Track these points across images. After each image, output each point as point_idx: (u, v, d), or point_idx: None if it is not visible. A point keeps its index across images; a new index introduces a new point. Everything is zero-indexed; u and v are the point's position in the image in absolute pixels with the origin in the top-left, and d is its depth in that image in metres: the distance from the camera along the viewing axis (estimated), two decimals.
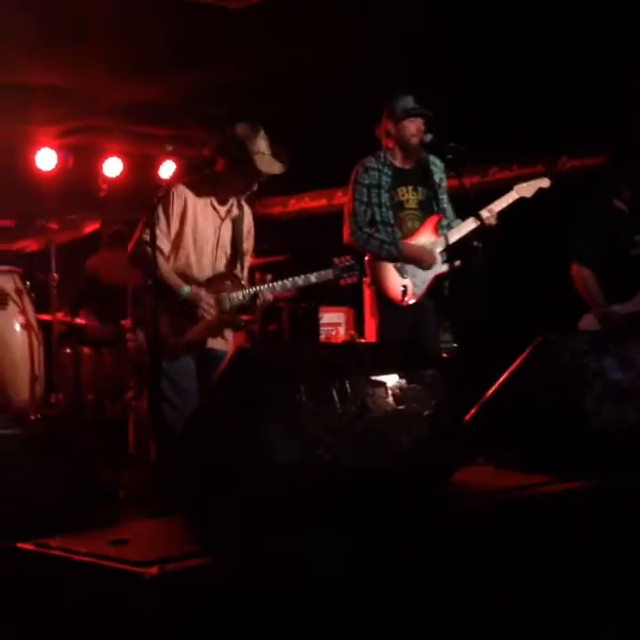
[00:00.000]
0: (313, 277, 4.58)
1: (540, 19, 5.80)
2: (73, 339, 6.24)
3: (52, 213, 6.02)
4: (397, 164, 5.16)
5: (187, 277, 4.25)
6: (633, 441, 3.83)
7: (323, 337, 7.81)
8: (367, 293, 7.29)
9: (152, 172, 8.64)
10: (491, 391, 4.06)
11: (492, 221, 5.03)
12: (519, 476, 3.64)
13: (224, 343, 4.43)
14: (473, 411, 4.10)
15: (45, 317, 5.76)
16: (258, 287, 4.40)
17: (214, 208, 4.38)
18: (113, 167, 8.74)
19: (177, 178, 5.51)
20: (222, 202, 4.40)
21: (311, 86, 7.02)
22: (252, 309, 4.59)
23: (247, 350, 5.09)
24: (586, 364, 3.87)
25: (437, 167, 5.25)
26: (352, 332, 7.74)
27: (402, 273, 5.07)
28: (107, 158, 8.73)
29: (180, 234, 4.27)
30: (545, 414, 3.84)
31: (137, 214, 4.53)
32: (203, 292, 4.19)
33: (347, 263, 4.67)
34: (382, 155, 5.16)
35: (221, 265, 4.39)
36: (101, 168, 8.69)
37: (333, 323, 7.92)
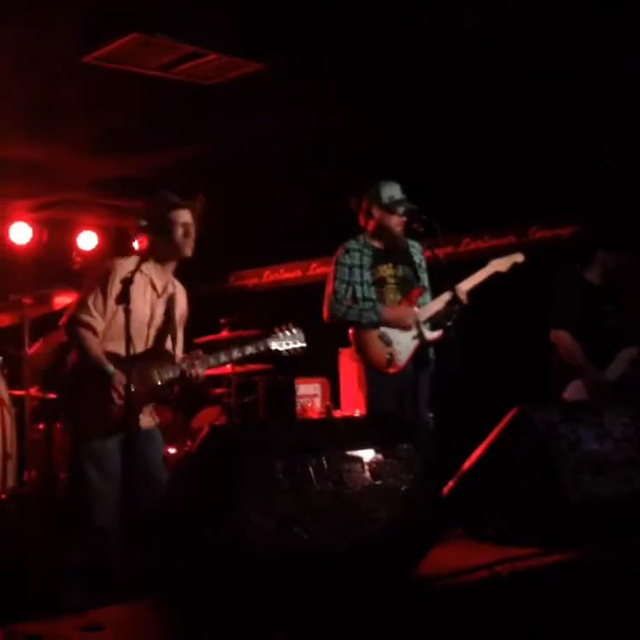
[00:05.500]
0: (249, 348, 4.47)
1: (510, 94, 5.91)
2: (46, 414, 6.16)
3: (25, 288, 6.01)
4: (376, 245, 5.27)
5: (118, 356, 4.17)
6: (612, 512, 3.82)
7: (299, 408, 7.77)
8: (343, 365, 7.33)
9: (127, 245, 8.66)
10: (468, 463, 4.04)
11: (464, 298, 5.13)
12: (499, 549, 3.61)
13: (150, 420, 4.36)
14: (451, 483, 4.08)
15: (18, 393, 5.71)
16: (185, 363, 4.32)
17: (152, 285, 4.36)
18: (87, 241, 8.78)
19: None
20: (159, 279, 4.38)
21: (287, 160, 7.10)
22: (185, 385, 4.46)
23: (220, 428, 5.06)
24: (562, 435, 3.87)
25: (416, 249, 5.38)
26: (328, 404, 7.70)
27: (386, 341, 5.13)
28: (81, 232, 8.77)
29: (115, 311, 4.22)
30: (523, 486, 3.82)
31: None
32: (122, 376, 4.09)
33: (288, 332, 4.56)
34: (362, 237, 5.30)
35: (155, 341, 4.35)
36: (76, 242, 8.72)
37: (309, 394, 7.89)
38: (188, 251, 4.35)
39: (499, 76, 5.64)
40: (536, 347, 5.63)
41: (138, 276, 4.20)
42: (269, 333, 4.54)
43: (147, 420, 4.33)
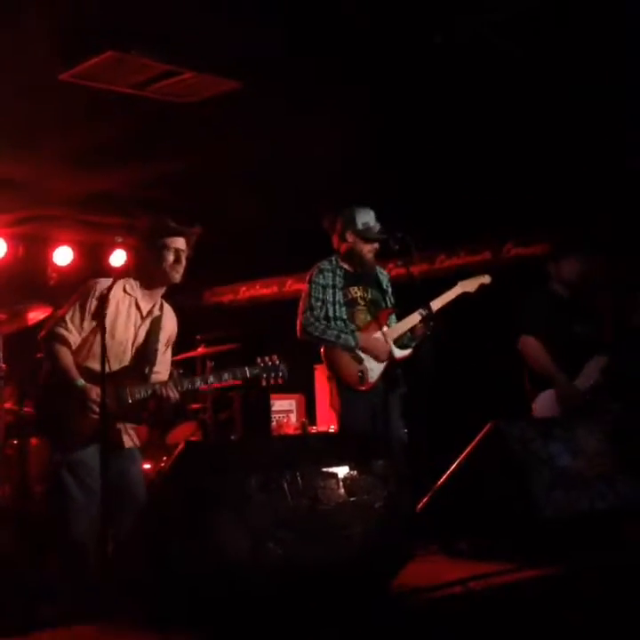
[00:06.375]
0: (226, 375, 4.43)
1: (487, 110, 5.96)
2: (20, 429, 6.13)
3: (0, 303, 5.98)
4: (346, 266, 5.37)
5: (94, 372, 4.16)
6: (585, 527, 3.85)
7: (274, 424, 7.79)
8: (319, 381, 7.35)
9: (102, 260, 8.65)
10: (442, 479, 4.07)
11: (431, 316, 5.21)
12: (473, 565, 3.63)
13: (128, 439, 4.34)
14: (425, 499, 4.10)
15: None
16: (158, 384, 4.30)
17: (137, 306, 4.35)
18: (63, 256, 8.73)
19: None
20: (145, 301, 4.37)
21: (263, 177, 7.12)
22: (159, 405, 4.42)
23: (195, 444, 5.07)
24: (534, 450, 3.91)
25: (383, 275, 5.52)
26: (303, 420, 7.72)
27: (357, 360, 5.19)
28: (57, 247, 8.73)
29: (94, 330, 4.22)
30: (496, 502, 3.85)
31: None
32: (93, 389, 4.09)
33: (270, 363, 4.48)
34: (334, 259, 5.39)
35: (132, 361, 4.34)
36: (51, 257, 8.69)
37: (285, 410, 7.90)
38: (177, 277, 4.33)
39: (480, 90, 5.68)
40: (511, 362, 5.66)
41: (122, 297, 4.22)
42: (251, 362, 4.48)
43: (127, 439, 4.33)
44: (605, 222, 6.71)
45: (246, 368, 4.46)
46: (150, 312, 4.40)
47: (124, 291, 4.25)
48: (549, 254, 5.82)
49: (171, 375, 4.39)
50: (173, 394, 4.26)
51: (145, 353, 4.36)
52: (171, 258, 4.29)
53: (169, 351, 4.53)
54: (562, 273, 5.66)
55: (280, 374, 4.49)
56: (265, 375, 4.47)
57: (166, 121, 6.08)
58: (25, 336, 5.75)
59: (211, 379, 4.46)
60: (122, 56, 4.92)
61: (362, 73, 5.31)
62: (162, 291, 4.43)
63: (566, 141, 6.33)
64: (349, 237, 5.30)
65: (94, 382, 4.11)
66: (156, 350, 4.38)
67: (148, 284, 4.35)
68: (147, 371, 4.34)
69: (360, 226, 5.25)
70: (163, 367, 4.45)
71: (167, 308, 4.51)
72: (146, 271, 4.32)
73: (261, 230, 8.10)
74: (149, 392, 4.26)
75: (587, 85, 5.51)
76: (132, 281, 4.31)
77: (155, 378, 4.36)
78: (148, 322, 4.39)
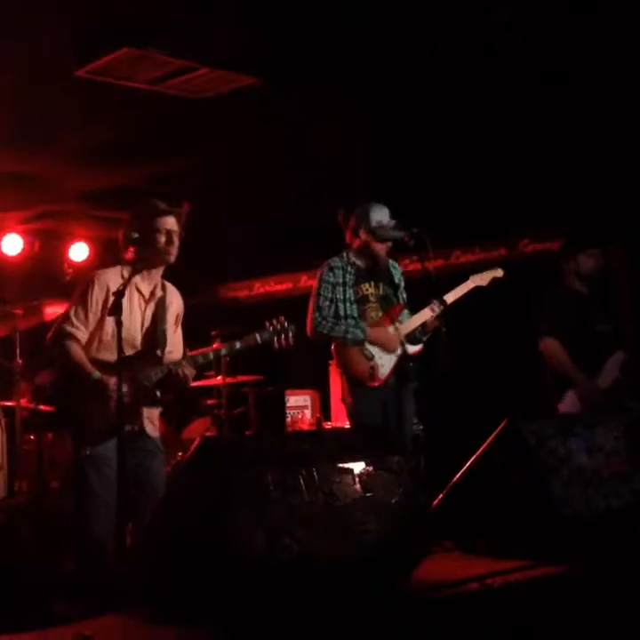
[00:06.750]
0: (238, 344, 4.47)
1: (502, 107, 5.95)
2: (37, 425, 6.15)
3: (16, 299, 6.01)
4: (358, 262, 5.33)
5: (108, 363, 4.18)
6: (602, 525, 3.83)
7: (289, 420, 7.78)
8: (334, 377, 7.34)
9: (118, 256, 8.66)
10: (458, 476, 4.05)
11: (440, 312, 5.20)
12: (489, 562, 3.61)
13: (151, 427, 4.36)
14: (440, 496, 4.09)
15: (9, 403, 5.71)
16: (173, 364, 4.32)
17: (139, 291, 4.36)
18: (79, 252, 8.77)
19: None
20: (146, 284, 4.38)
21: (278, 172, 7.13)
22: (175, 384, 4.43)
23: (212, 439, 5.07)
24: (552, 448, 3.89)
25: (396, 269, 5.48)
26: (318, 415, 7.72)
27: (367, 356, 5.18)
28: (73, 243, 8.76)
29: (102, 320, 4.24)
30: (513, 500, 3.83)
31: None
32: (109, 379, 4.11)
33: (279, 325, 4.50)
34: (345, 255, 5.36)
35: (143, 345, 4.36)
36: (67, 253, 8.72)
37: (299, 405, 7.90)
38: (171, 257, 4.35)
39: (492, 88, 5.67)
40: (528, 359, 5.63)
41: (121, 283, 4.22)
42: (261, 327, 4.50)
43: (149, 427, 4.34)
44: (621, 216, 6.67)
45: (257, 334, 4.49)
46: (153, 294, 4.40)
47: (122, 277, 4.25)
48: (567, 249, 5.76)
49: (184, 354, 4.40)
50: (189, 371, 4.29)
51: (155, 335, 4.37)
52: (163, 239, 4.30)
53: (179, 329, 4.54)
54: (581, 268, 5.61)
55: (290, 334, 4.52)
56: (276, 338, 4.49)
57: (182, 116, 6.09)
58: (42, 331, 5.77)
59: (223, 351, 4.47)
60: (138, 52, 4.93)
61: (377, 68, 5.31)
62: (160, 271, 4.43)
63: (581, 135, 6.31)
64: (363, 234, 5.27)
65: (109, 372, 4.14)
66: (165, 330, 4.39)
67: (145, 268, 4.35)
68: (159, 352, 4.35)
69: (374, 223, 5.23)
70: (175, 346, 4.46)
71: (170, 286, 4.51)
72: (142, 256, 4.31)
73: (276, 226, 8.10)
74: (165, 372, 4.27)
75: (602, 78, 5.49)
76: (128, 268, 4.30)
77: (168, 358, 4.37)
78: (152, 304, 4.40)
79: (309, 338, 5.26)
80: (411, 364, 5.27)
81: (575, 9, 4.61)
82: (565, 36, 4.95)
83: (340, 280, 5.27)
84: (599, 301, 5.64)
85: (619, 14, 4.70)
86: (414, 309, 5.34)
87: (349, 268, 5.30)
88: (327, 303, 5.24)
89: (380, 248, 5.27)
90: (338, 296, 5.25)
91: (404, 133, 6.38)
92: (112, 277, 4.24)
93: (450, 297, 5.27)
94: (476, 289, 5.38)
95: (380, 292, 5.34)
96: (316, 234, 6.18)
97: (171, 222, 4.33)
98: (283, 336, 4.50)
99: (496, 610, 3.11)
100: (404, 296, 5.45)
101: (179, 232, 4.35)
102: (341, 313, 5.23)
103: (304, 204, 7.47)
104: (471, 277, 5.41)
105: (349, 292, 5.26)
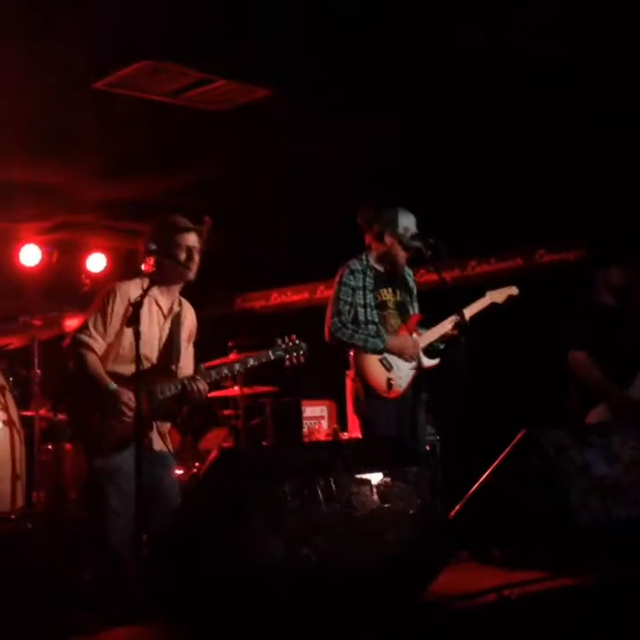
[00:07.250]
0: (251, 360, 4.47)
1: (518, 117, 5.95)
2: (55, 435, 6.18)
3: (35, 310, 6.04)
4: (378, 267, 5.30)
5: (123, 376, 4.20)
6: (621, 535, 3.81)
7: (305, 430, 7.78)
8: (349, 387, 7.33)
9: (136, 267, 8.69)
10: (475, 486, 4.05)
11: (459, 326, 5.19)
12: (506, 573, 3.60)
13: (160, 443, 4.36)
14: (458, 506, 4.08)
15: (27, 413, 5.73)
16: (187, 379, 4.34)
17: (158, 305, 4.38)
18: (97, 263, 8.81)
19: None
20: (165, 299, 4.40)
21: (294, 184, 7.15)
22: (192, 399, 4.44)
23: (230, 451, 5.08)
24: (570, 458, 3.88)
25: (410, 276, 5.46)
26: (335, 426, 7.71)
27: (386, 366, 5.14)
28: (90, 254, 8.81)
29: (120, 332, 4.25)
30: (531, 510, 3.82)
31: None
32: (125, 392, 4.12)
33: (291, 343, 4.52)
34: (364, 257, 5.30)
35: (159, 359, 4.37)
36: (85, 264, 8.76)
37: (316, 416, 7.90)
38: (191, 274, 4.36)
39: (515, 96, 5.66)
40: (549, 370, 5.60)
41: (144, 298, 4.23)
42: (272, 345, 4.52)
43: (159, 443, 4.35)
44: None
45: (269, 351, 4.50)
46: (171, 309, 4.43)
47: (142, 289, 4.26)
48: (597, 261, 5.69)
49: (196, 369, 4.41)
50: (203, 386, 4.29)
51: (170, 350, 4.39)
52: (183, 256, 4.31)
53: (191, 347, 4.55)
54: (611, 280, 5.52)
55: (302, 352, 4.53)
56: (288, 355, 4.51)
57: (199, 128, 6.12)
58: (60, 342, 5.81)
59: (236, 366, 4.48)
60: (155, 65, 4.97)
61: (394, 77, 5.32)
62: (179, 288, 4.45)
63: (597, 145, 6.30)
64: (388, 239, 5.22)
65: (124, 385, 4.15)
66: (179, 347, 4.41)
67: (165, 283, 4.37)
68: (173, 367, 4.36)
69: (401, 230, 5.17)
70: (187, 362, 4.48)
71: (185, 303, 4.53)
72: (162, 270, 4.32)
73: (293, 236, 8.11)
74: (179, 387, 4.28)
75: (623, 86, 5.48)
76: (147, 280, 4.32)
77: (181, 373, 4.38)
78: (169, 319, 4.42)
79: (327, 342, 5.22)
80: (423, 375, 5.25)
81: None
82: (588, 43, 4.95)
83: (361, 284, 5.19)
84: (627, 313, 5.57)
85: None
86: (426, 320, 5.33)
87: (368, 272, 5.22)
88: (347, 308, 5.15)
89: (402, 255, 5.24)
90: (358, 300, 5.17)
91: (420, 142, 6.38)
92: (133, 289, 4.25)
93: (467, 312, 5.25)
94: (493, 305, 5.38)
95: (398, 298, 5.29)
96: (333, 244, 6.19)
97: (192, 239, 4.35)
98: (294, 354, 4.52)
99: (514, 621, 3.10)
100: (417, 304, 5.43)
101: (199, 248, 4.37)
102: (361, 318, 5.16)
103: (321, 214, 7.48)
104: (488, 293, 5.40)
105: (369, 297, 5.18)
